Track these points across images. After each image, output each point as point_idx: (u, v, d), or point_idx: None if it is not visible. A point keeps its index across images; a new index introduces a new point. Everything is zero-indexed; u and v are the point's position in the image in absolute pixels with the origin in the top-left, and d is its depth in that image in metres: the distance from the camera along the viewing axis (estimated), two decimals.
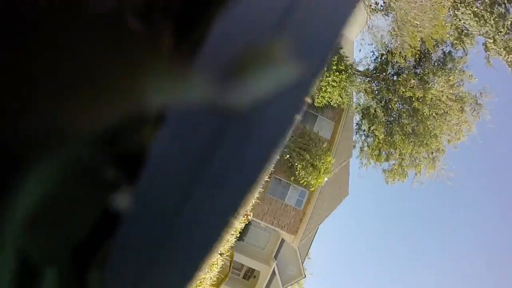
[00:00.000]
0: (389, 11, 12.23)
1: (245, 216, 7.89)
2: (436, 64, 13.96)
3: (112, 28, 0.22)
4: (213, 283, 6.76)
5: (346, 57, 13.16)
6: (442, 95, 13.63)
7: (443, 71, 13.62)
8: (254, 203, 9.71)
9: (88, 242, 0.24)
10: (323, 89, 12.79)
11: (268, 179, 13.32)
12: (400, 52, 12.46)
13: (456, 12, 12.20)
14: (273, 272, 15.33)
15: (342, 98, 13.37)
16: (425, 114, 13.84)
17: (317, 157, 12.81)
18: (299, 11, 0.24)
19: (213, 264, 6.62)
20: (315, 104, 13.67)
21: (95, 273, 0.24)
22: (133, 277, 0.25)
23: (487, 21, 11.69)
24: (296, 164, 12.76)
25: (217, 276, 7.24)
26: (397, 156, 15.23)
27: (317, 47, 0.25)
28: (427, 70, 13.79)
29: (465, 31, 13.10)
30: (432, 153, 14.87)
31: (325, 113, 15.10)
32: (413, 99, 13.85)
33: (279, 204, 14.06)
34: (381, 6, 12.95)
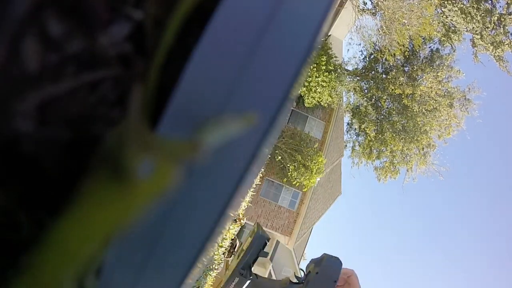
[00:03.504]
0: (377, 10, 12.27)
1: (238, 221, 7.80)
2: (424, 61, 14.07)
3: None
4: None
5: (335, 57, 13.18)
6: (431, 91, 13.75)
7: (431, 67, 13.74)
8: (246, 206, 9.64)
9: None
10: (313, 90, 12.80)
11: (260, 182, 13.25)
12: (388, 50, 12.52)
13: (443, 10, 12.29)
14: (269, 274, 15.27)
15: (332, 98, 13.39)
16: (414, 110, 13.95)
17: (308, 157, 12.80)
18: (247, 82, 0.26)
19: (209, 269, 6.58)
20: (305, 105, 13.67)
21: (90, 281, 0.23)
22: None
23: (474, 17, 11.80)
24: (288, 165, 12.72)
25: (213, 279, 7.22)
26: (388, 154, 15.32)
27: (267, 105, 0.26)
28: (415, 67, 13.90)
29: (452, 28, 13.21)
30: (423, 149, 14.99)
31: (316, 114, 15.12)
32: (403, 96, 13.95)
33: (272, 206, 14.01)
34: (369, 6, 13.01)
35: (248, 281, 1.33)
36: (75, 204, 0.20)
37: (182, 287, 0.27)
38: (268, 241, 1.40)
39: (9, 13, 0.20)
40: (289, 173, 12.77)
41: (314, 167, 12.72)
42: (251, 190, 8.94)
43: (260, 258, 1.40)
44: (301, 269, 1.25)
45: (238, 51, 0.25)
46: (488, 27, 12.02)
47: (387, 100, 14.59)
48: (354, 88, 14.42)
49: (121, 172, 0.19)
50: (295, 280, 1.21)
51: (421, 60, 14.11)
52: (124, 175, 0.19)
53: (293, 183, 13.06)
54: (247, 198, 8.78)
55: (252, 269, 1.37)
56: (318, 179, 13.23)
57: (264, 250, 1.39)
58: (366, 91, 14.62)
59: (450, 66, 14.06)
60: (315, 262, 1.13)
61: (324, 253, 1.16)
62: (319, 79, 12.51)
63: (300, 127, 14.69)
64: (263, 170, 12.70)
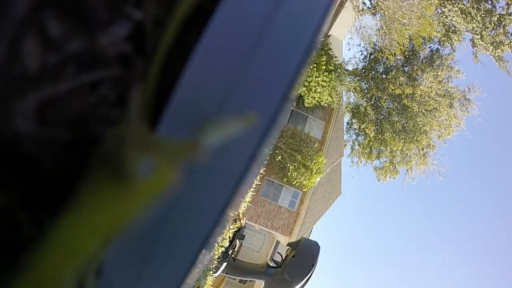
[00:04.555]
0: (377, 10, 12.27)
1: (238, 221, 7.79)
2: (424, 61, 14.06)
3: None
4: None
5: (335, 57, 13.17)
6: (431, 92, 13.73)
7: (431, 67, 13.72)
8: (246, 206, 9.63)
9: None
10: (313, 89, 12.79)
11: (260, 182, 13.24)
12: (388, 50, 12.52)
13: (443, 10, 12.29)
14: None
15: (332, 98, 13.38)
16: (414, 110, 13.93)
17: (308, 157, 12.79)
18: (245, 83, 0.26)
19: (209, 269, 6.57)
20: (305, 105, 13.66)
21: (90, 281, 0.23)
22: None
23: (474, 17, 11.80)
24: (288, 165, 12.71)
25: (213, 280, 7.21)
26: (388, 154, 15.29)
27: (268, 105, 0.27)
28: (415, 67, 13.89)
29: (452, 28, 13.21)
30: (423, 149, 14.96)
31: (316, 113, 15.11)
32: (402, 96, 13.93)
33: (272, 206, 14.00)
34: (369, 6, 13.01)
35: (225, 263, 1.35)
36: (75, 204, 0.20)
37: (182, 287, 0.27)
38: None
39: (9, 13, 0.20)
40: (289, 173, 12.76)
41: (314, 167, 12.71)
42: (251, 190, 8.94)
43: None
44: (279, 253, 1.25)
45: (238, 51, 0.25)
46: (488, 27, 12.01)
47: (387, 100, 14.57)
48: (354, 88, 14.41)
49: (121, 172, 0.19)
50: (272, 264, 1.21)
51: (421, 60, 14.09)
52: (124, 175, 0.19)
53: (293, 183, 13.06)
54: (247, 198, 8.77)
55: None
56: (318, 179, 13.22)
57: (240, 232, 1.41)
58: (366, 91, 14.61)
59: (450, 66, 14.05)
60: (292, 246, 1.13)
61: (302, 237, 1.16)
62: (319, 79, 12.50)
63: (300, 127, 14.68)
64: (263, 170, 12.70)
